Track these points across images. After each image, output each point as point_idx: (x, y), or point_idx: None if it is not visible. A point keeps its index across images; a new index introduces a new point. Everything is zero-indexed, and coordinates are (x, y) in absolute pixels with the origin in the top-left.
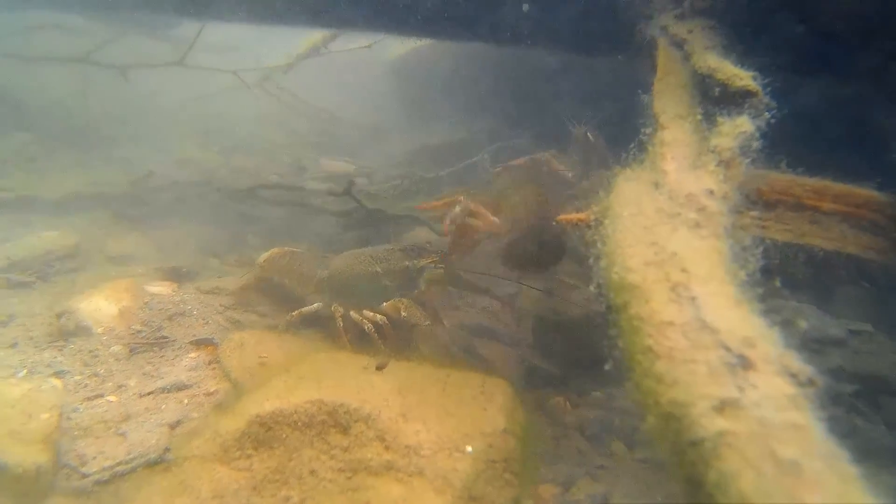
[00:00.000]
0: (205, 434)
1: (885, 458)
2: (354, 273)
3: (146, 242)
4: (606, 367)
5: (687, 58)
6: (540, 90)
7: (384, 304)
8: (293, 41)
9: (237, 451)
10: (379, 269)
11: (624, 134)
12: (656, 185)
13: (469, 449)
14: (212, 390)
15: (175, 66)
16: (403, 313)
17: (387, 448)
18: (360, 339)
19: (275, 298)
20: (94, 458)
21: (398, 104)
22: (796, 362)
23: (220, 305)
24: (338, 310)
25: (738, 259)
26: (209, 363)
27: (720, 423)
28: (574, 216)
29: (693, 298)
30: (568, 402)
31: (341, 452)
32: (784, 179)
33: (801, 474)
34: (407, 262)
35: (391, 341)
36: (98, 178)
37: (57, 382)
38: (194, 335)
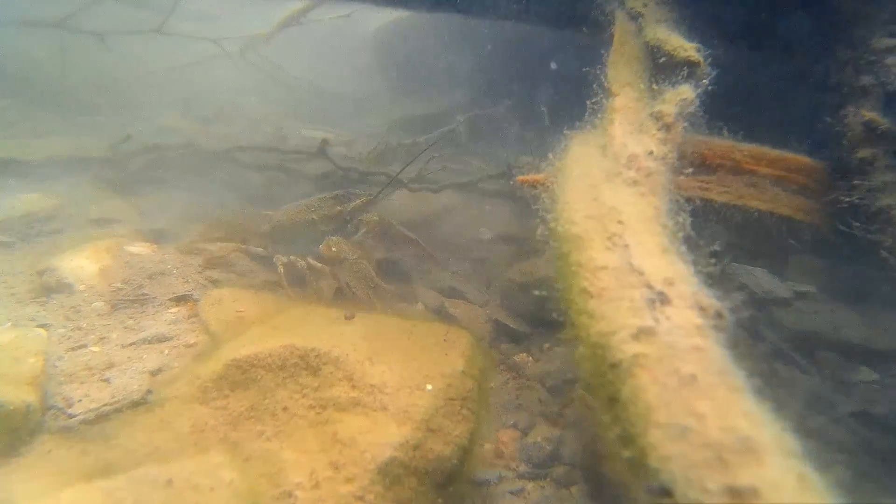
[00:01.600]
0: (184, 378)
1: (817, 404)
2: (293, 223)
3: (127, 206)
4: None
5: (640, 30)
6: (515, 64)
7: (320, 246)
8: (273, 11)
9: (215, 392)
10: (315, 217)
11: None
12: (604, 148)
13: (429, 387)
14: (191, 342)
15: (154, 33)
16: (333, 248)
17: (353, 387)
18: (335, 296)
19: (254, 259)
20: (80, 400)
21: (379, 75)
22: (707, 299)
23: (199, 265)
24: (280, 259)
25: (671, 213)
26: (188, 318)
27: (636, 347)
28: (532, 178)
29: (626, 246)
30: (531, 357)
31: (312, 391)
32: (725, 145)
33: (697, 386)
34: (339, 207)
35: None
36: (78, 143)
37: (42, 331)
38: (174, 293)
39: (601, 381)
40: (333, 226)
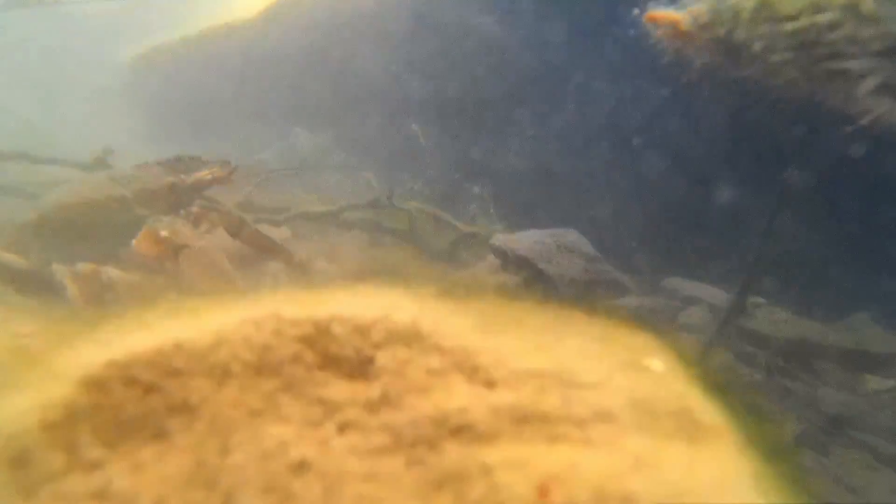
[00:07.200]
0: None
1: None
2: (85, 205)
3: None
4: None
5: None
6: (334, 90)
7: (133, 241)
8: None
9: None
10: (127, 193)
11: None
12: None
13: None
14: None
15: None
16: (164, 233)
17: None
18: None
19: None
20: None
21: (139, 119)
22: None
23: None
24: (61, 271)
25: None
26: None
27: None
28: (665, 15)
29: None
30: None
31: None
32: None
33: None
34: (172, 179)
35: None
36: None
37: None
38: None
39: None
40: (162, 206)
